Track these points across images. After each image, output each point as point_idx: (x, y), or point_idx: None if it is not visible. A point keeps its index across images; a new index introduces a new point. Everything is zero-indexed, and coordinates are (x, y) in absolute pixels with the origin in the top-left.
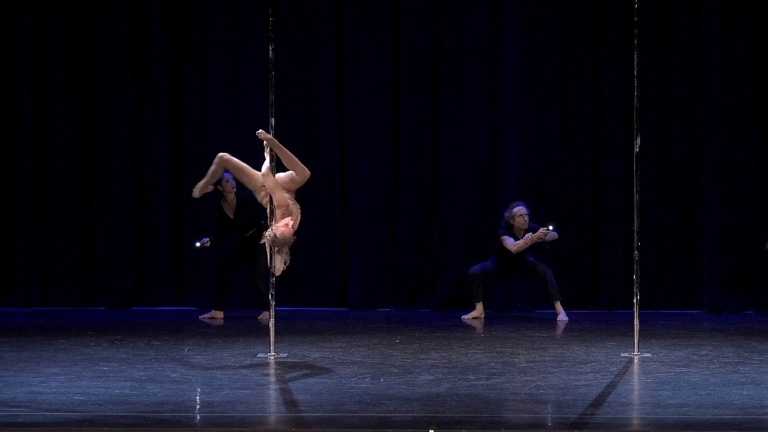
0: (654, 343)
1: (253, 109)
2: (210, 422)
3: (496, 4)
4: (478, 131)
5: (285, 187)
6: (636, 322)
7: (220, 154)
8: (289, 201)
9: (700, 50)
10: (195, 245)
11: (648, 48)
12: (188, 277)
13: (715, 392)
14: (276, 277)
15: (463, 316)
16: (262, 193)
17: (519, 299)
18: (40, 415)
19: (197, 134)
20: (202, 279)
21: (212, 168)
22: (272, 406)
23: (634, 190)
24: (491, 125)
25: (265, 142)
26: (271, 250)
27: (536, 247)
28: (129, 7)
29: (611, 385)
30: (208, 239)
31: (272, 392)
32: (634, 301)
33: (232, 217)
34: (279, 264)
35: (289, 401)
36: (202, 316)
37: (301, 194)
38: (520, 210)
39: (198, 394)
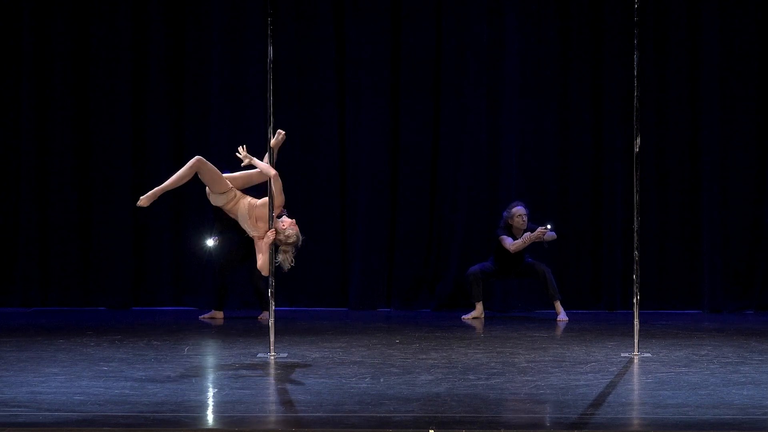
0: (654, 343)
1: (253, 109)
2: (210, 422)
3: (496, 4)
4: (478, 131)
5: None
6: (636, 322)
7: (198, 156)
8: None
9: (700, 50)
10: (207, 244)
11: (648, 48)
12: (188, 277)
13: (715, 392)
14: (276, 277)
15: (463, 316)
16: (230, 196)
17: (519, 299)
18: (40, 415)
19: (197, 134)
20: (202, 279)
21: (184, 169)
22: (272, 406)
23: (634, 190)
24: (491, 125)
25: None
26: (275, 249)
27: (535, 247)
28: (129, 7)
29: (611, 385)
30: (217, 237)
31: (272, 392)
32: (634, 301)
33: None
34: (287, 263)
35: (289, 401)
36: (202, 316)
37: (301, 194)
38: (519, 210)
39: (198, 394)
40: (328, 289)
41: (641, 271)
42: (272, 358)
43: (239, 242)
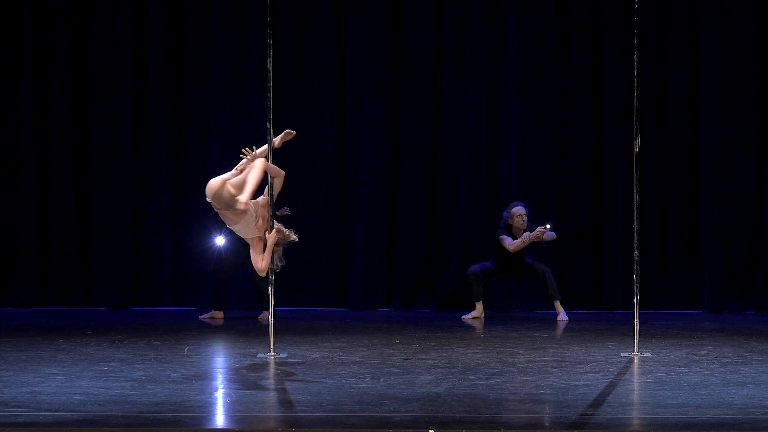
0: (654, 343)
1: (253, 109)
2: (210, 422)
3: (496, 4)
4: (478, 131)
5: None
6: (636, 322)
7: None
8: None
9: (700, 50)
10: (215, 242)
11: (648, 48)
12: (188, 277)
13: (715, 392)
14: (276, 277)
15: (463, 316)
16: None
17: (519, 299)
18: (40, 415)
19: (197, 135)
20: (202, 279)
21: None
22: (272, 406)
23: (634, 190)
24: (491, 125)
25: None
26: (274, 248)
27: (535, 247)
28: (129, 7)
29: (611, 385)
30: (225, 235)
31: (272, 392)
32: (634, 301)
33: None
34: (278, 261)
35: (289, 401)
36: (202, 316)
37: (301, 194)
38: (518, 210)
39: (198, 394)
40: (328, 289)
41: (641, 271)
42: (272, 358)
43: (238, 242)
